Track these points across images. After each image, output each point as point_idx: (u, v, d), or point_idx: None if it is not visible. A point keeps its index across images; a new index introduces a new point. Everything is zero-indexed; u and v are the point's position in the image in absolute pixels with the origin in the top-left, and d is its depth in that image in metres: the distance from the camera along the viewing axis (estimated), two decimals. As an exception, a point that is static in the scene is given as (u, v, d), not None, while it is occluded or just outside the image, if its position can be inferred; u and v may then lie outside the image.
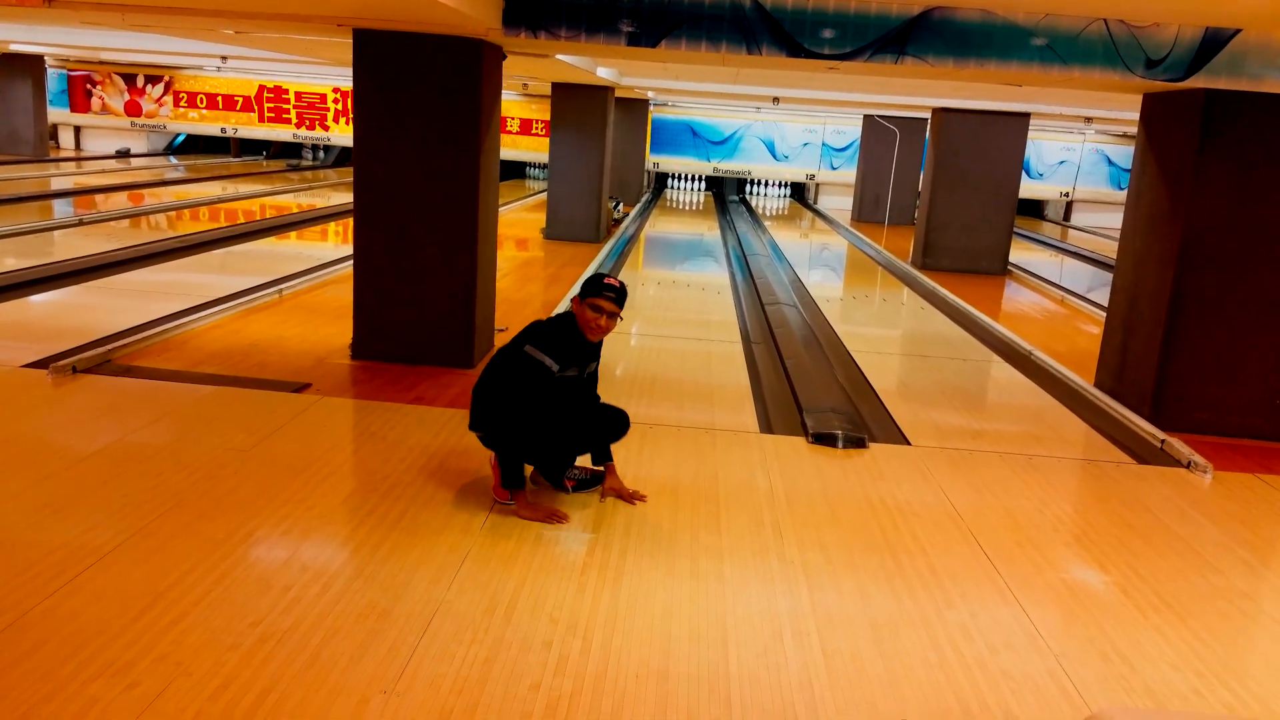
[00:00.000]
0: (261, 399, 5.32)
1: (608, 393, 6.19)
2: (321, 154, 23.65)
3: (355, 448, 4.81)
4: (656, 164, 21.92)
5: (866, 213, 18.95)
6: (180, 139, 23.32)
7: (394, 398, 5.54)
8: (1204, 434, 5.84)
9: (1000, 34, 5.42)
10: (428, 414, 5.27)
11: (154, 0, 5.33)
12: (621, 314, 4.01)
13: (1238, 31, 5.33)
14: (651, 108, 20.63)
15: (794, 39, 5.50)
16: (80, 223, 11.66)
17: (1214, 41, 5.37)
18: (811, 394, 6.09)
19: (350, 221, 12.74)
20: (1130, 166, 6.59)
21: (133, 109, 21.70)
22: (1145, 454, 5.47)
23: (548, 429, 4.01)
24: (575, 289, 3.74)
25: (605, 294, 3.95)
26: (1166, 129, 6.04)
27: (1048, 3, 5.12)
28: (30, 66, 18.58)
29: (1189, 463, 5.24)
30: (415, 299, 6.18)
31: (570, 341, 3.98)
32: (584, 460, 4.37)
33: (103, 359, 5.79)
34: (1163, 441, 5.55)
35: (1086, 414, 6.23)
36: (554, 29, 5.58)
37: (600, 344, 4.16)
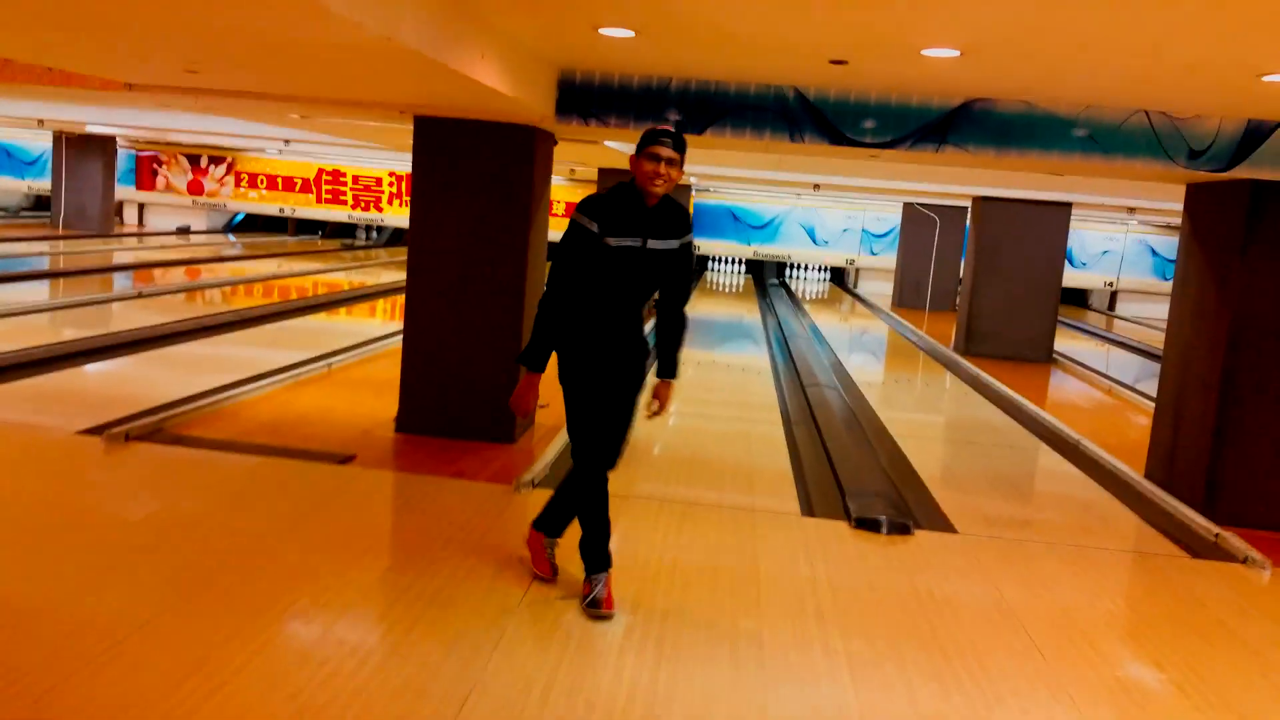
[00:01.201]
0: (307, 470, 5.40)
1: (643, 470, 6.24)
2: (375, 234, 24.28)
3: (396, 521, 4.85)
4: (698, 247, 22.17)
5: (907, 298, 18.94)
6: (240, 217, 24.10)
7: (436, 470, 5.59)
8: (1260, 528, 5.68)
9: (1041, 125, 5.49)
10: (469, 488, 5.30)
11: (226, 85, 5.59)
12: (682, 161, 3.56)
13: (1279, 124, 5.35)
14: (694, 193, 20.96)
15: (836, 128, 5.61)
16: (140, 295, 12.04)
17: (1257, 133, 5.39)
18: (854, 477, 6.04)
19: (398, 299, 13.09)
20: (1174, 257, 6.54)
21: (195, 188, 22.52)
22: (1199, 548, 5.33)
23: (589, 309, 3.62)
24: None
25: (661, 140, 3.49)
26: (1211, 218, 6.03)
27: (1088, 95, 5.19)
28: (102, 147, 19.42)
29: (1245, 558, 5.10)
30: (461, 374, 6.28)
31: (624, 203, 3.56)
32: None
33: (155, 427, 5.92)
34: (1217, 535, 5.41)
35: (1137, 506, 6.10)
36: (604, 116, 5.75)
37: (682, 216, 3.69)
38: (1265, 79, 4.26)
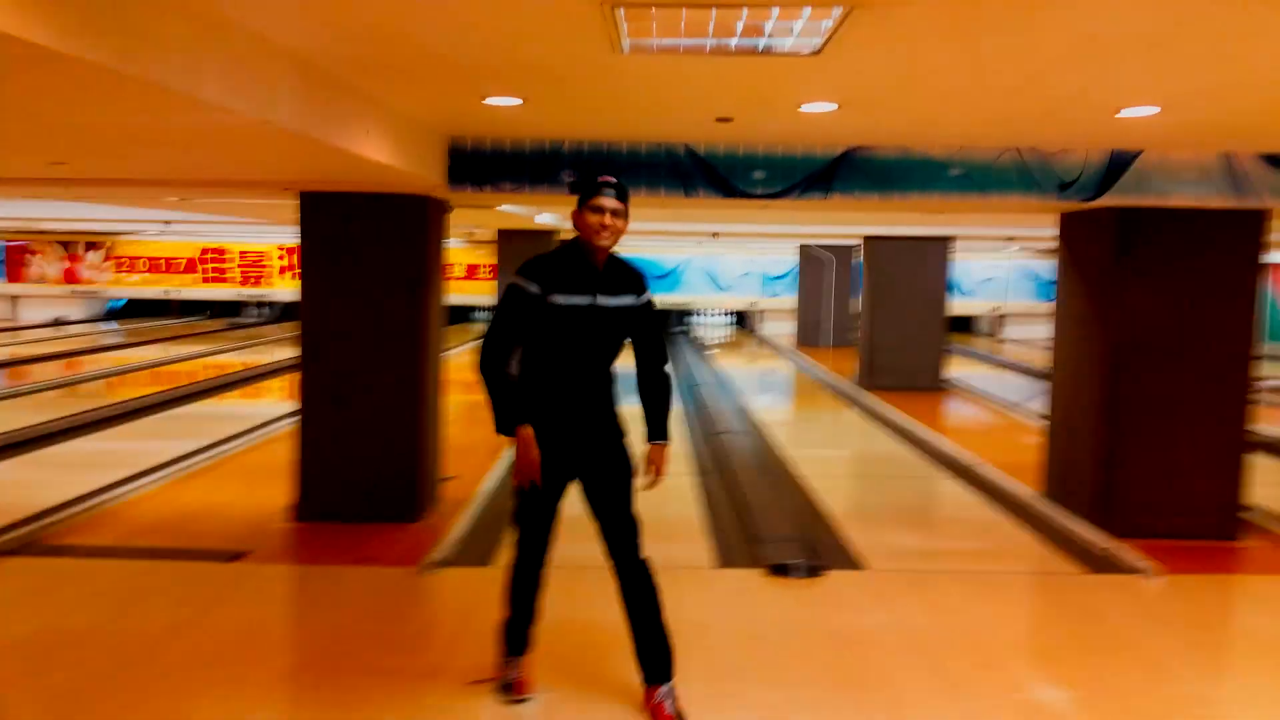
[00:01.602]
0: (196, 571, 5.09)
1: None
2: (265, 310, 23.67)
3: (297, 618, 4.64)
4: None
5: (808, 337, 19.37)
6: (119, 303, 23.21)
7: (337, 559, 5.35)
8: (1152, 537, 5.89)
9: (919, 168, 5.70)
10: (373, 575, 5.09)
11: (97, 175, 5.40)
12: (628, 211, 3.36)
13: (1139, 153, 5.67)
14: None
15: (728, 181, 5.72)
16: (15, 395, 11.42)
17: (1120, 163, 5.70)
18: (766, 523, 6.08)
19: (293, 377, 12.66)
20: (1054, 279, 6.85)
21: (71, 276, 21.64)
22: (1094, 563, 5.51)
23: (543, 380, 3.35)
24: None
25: (603, 190, 3.29)
26: (1085, 245, 6.34)
27: (961, 136, 5.42)
28: (-35, 239, 18.54)
29: (1137, 568, 5.29)
30: (359, 455, 6.07)
31: (568, 261, 3.34)
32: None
33: (28, 539, 5.56)
34: (1110, 549, 5.60)
35: (1035, 524, 6.28)
36: (498, 182, 5.74)
37: (636, 274, 3.47)
38: (1121, 114, 4.52)
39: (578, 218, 3.35)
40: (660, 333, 3.56)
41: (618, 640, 3.68)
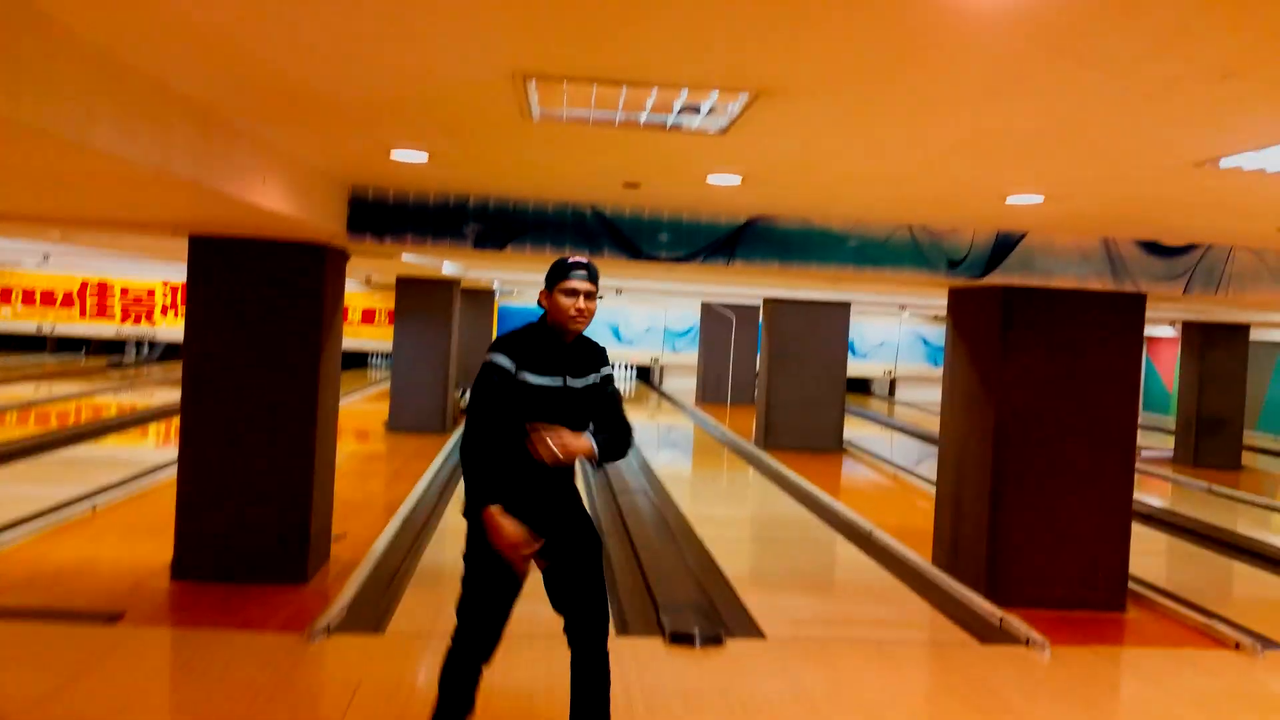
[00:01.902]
0: (67, 635, 4.78)
1: (444, 597, 5.84)
2: (147, 350, 22.72)
3: (173, 688, 4.39)
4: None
5: (710, 393, 19.55)
6: (-10, 335, 21.99)
7: (218, 622, 5.10)
8: (1038, 607, 6.07)
9: (818, 239, 5.85)
10: (256, 641, 4.85)
11: (-30, 210, 5.11)
12: (599, 293, 3.34)
13: (1024, 235, 5.94)
14: (498, 296, 20.98)
15: (634, 243, 5.77)
16: None
17: (1005, 244, 5.96)
18: (667, 589, 6.04)
19: (175, 421, 12.19)
20: (943, 345, 7.08)
21: (-63, 306, 20.42)
22: (986, 632, 5.64)
23: (507, 460, 3.21)
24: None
25: (574, 273, 3.22)
26: (973, 320, 6.58)
27: (857, 213, 5.60)
28: None
29: (1027, 640, 5.43)
30: (244, 512, 5.81)
31: (540, 341, 3.27)
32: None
33: (-117, 595, 5.17)
34: (1001, 620, 5.74)
35: (928, 593, 6.41)
36: (400, 234, 5.66)
37: (598, 350, 3.44)
38: (1009, 200, 4.73)
39: (548, 301, 3.27)
40: (620, 407, 3.45)
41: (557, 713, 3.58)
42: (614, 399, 3.43)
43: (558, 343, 3.28)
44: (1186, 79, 2.58)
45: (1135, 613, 6.20)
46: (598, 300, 3.31)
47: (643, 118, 3.35)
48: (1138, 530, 6.70)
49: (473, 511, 3.15)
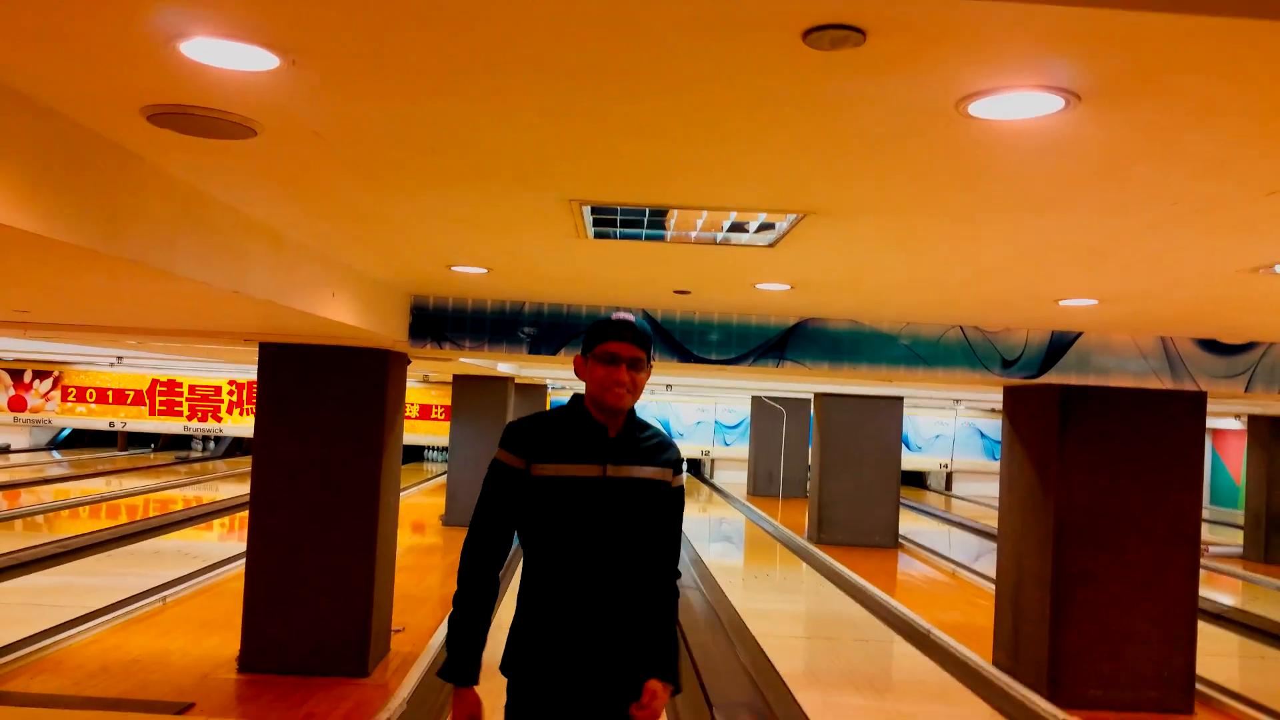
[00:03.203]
0: (140, 725, 4.94)
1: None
2: (213, 445, 23.29)
3: (238, 783, 4.45)
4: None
5: (761, 487, 19.39)
6: (65, 433, 22.73)
7: (283, 716, 5.20)
8: (1102, 709, 5.89)
9: (868, 340, 5.91)
10: (319, 736, 4.95)
11: (59, 321, 5.42)
12: (650, 361, 2.55)
13: (1080, 334, 5.94)
14: (550, 390, 21.22)
15: (684, 346, 5.88)
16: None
17: (1060, 343, 5.96)
18: (720, 688, 5.97)
19: (239, 515, 12.47)
20: (999, 438, 7.01)
21: (17, 404, 21.21)
22: (1051, 739, 5.47)
23: (537, 594, 2.50)
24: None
25: (620, 334, 2.48)
26: (1030, 419, 6.53)
27: (907, 314, 5.65)
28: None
29: (1094, 747, 5.26)
30: (309, 606, 5.95)
31: (568, 424, 2.54)
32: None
33: (-33, 687, 5.35)
34: (1066, 725, 5.58)
35: (987, 694, 6.24)
36: (458, 340, 5.85)
37: (661, 440, 2.63)
38: (1062, 304, 4.76)
39: (582, 369, 2.55)
40: (679, 528, 2.66)
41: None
42: (676, 511, 2.63)
43: (592, 424, 2.52)
44: (1233, 197, 2.64)
45: (1204, 715, 5.98)
46: (648, 374, 2.54)
47: (693, 235, 3.48)
48: (1206, 629, 6.48)
49: (452, 673, 2.50)
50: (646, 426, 2.63)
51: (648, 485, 2.53)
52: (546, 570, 2.50)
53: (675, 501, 2.62)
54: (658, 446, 2.60)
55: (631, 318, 2.54)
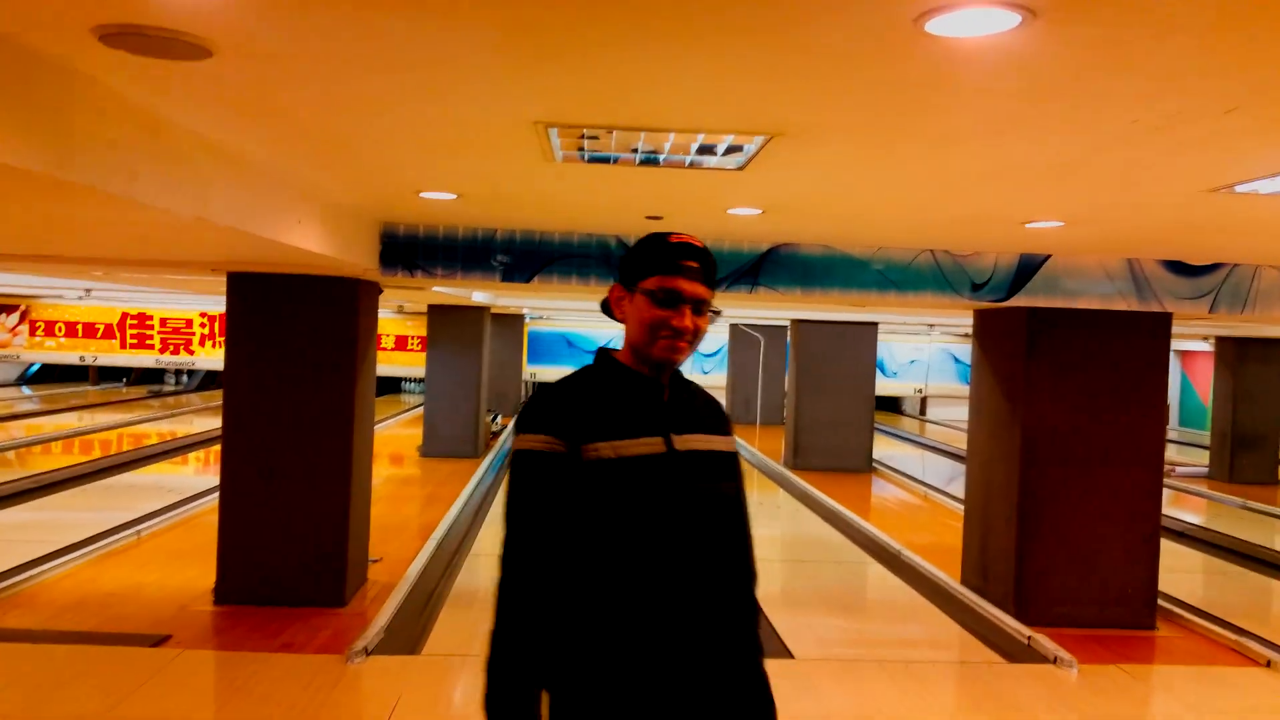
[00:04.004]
0: (118, 656, 4.99)
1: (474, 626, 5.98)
2: (185, 378, 23.16)
3: (218, 708, 4.53)
4: (534, 374, 22.30)
5: (738, 414, 19.54)
6: (35, 368, 22.51)
7: (260, 646, 5.26)
8: (1067, 627, 6.07)
9: (840, 265, 5.94)
10: (297, 663, 5.01)
11: (22, 251, 5.34)
12: (714, 303, 1.90)
13: (1048, 257, 5.99)
14: (527, 321, 21.19)
15: (655, 273, 5.88)
16: (-82, 464, 11.00)
17: (1029, 266, 6.01)
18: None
19: (213, 449, 12.48)
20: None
21: (-16, 339, 20.94)
22: (1014, 651, 5.65)
23: (613, 624, 1.76)
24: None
25: (684, 264, 1.84)
26: (998, 342, 6.61)
27: (879, 238, 5.67)
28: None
29: (1055, 658, 5.44)
30: (284, 536, 5.99)
31: (611, 386, 1.87)
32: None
33: (-59, 621, 5.38)
34: (1029, 638, 5.75)
35: (956, 612, 6.43)
36: (430, 268, 5.82)
37: (715, 405, 2.02)
38: (1029, 225, 4.79)
39: (621, 306, 1.91)
40: (747, 520, 1.97)
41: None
42: (743, 498, 1.97)
43: (645, 383, 1.88)
44: (1190, 113, 2.65)
45: (1166, 630, 6.18)
46: (709, 314, 1.89)
47: (662, 158, 3.46)
48: (1171, 547, 6.68)
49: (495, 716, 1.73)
50: (694, 388, 1.99)
51: (720, 460, 1.91)
52: (610, 601, 1.75)
53: (739, 477, 1.97)
54: (709, 404, 2.00)
55: (696, 240, 1.89)
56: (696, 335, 1.86)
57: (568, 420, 1.79)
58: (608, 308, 1.95)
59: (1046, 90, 2.49)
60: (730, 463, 1.94)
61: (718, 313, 1.93)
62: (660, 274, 1.84)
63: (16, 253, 5.49)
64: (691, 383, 1.99)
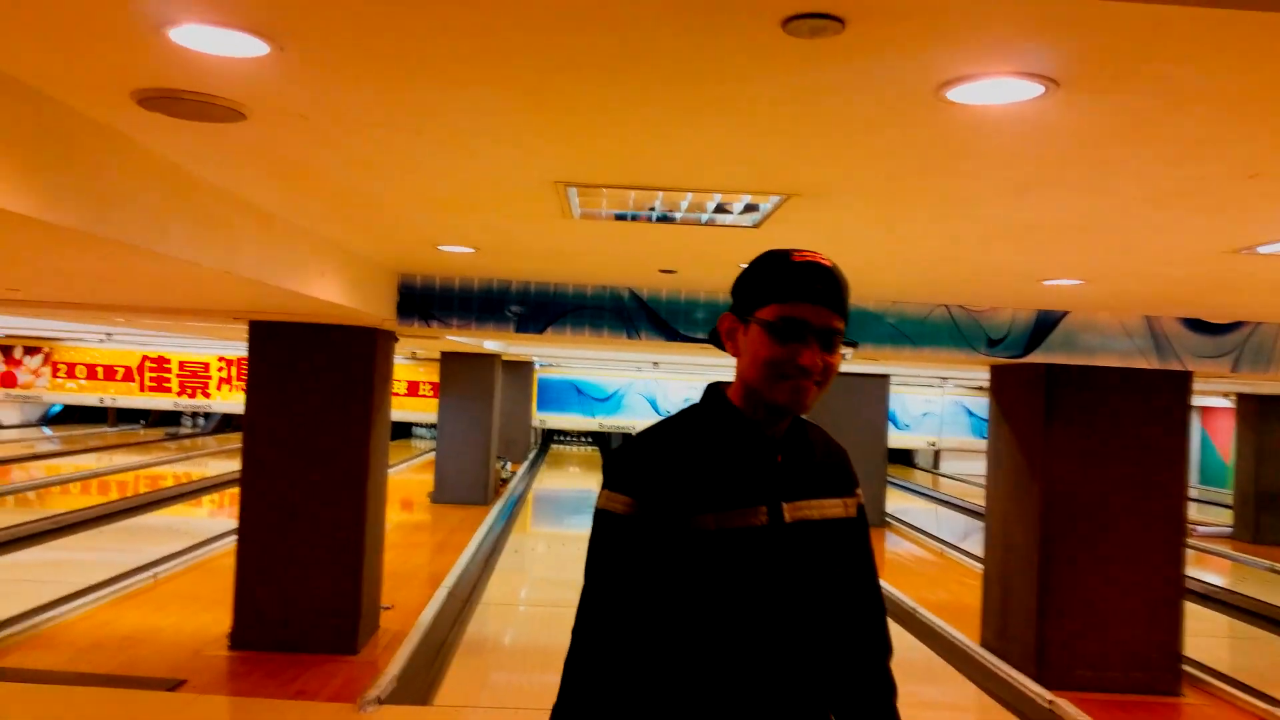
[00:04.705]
0: (134, 701, 5.00)
1: (496, 661, 6.17)
2: (202, 421, 23.26)
3: (230, 758, 4.50)
4: (543, 421, 22.33)
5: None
6: (56, 409, 22.67)
7: (274, 692, 5.25)
8: (1090, 690, 5.96)
9: (854, 319, 5.92)
10: (310, 711, 5.00)
11: (49, 299, 5.42)
12: (845, 335, 1.61)
13: (1065, 314, 5.98)
14: (537, 368, 21.25)
15: (670, 325, 5.91)
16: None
17: (1046, 322, 6.00)
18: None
19: (228, 492, 12.49)
20: (987, 417, 7.05)
21: (7, 380, 21.09)
22: (1035, 716, 5.55)
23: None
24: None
25: (813, 288, 1.56)
26: (1015, 399, 6.58)
27: (895, 292, 5.69)
28: (-102, 339, 18.14)
29: (1078, 724, 5.34)
30: (299, 583, 5.99)
31: (707, 436, 1.60)
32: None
33: (-36, 661, 5.43)
34: (1051, 702, 5.65)
35: (975, 674, 6.33)
36: (446, 318, 5.87)
37: (838, 456, 1.76)
38: (1046, 283, 4.80)
39: (744, 341, 1.60)
40: (878, 587, 1.78)
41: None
42: (872, 562, 1.76)
43: (755, 437, 1.61)
44: (1212, 178, 2.67)
45: (1192, 697, 6.06)
46: (841, 351, 1.62)
47: (678, 215, 3.50)
48: (1195, 610, 6.56)
49: None
50: (814, 433, 1.71)
51: (837, 530, 1.65)
52: (697, 690, 1.52)
53: (864, 541, 1.73)
54: (831, 456, 1.72)
55: (824, 260, 1.58)
56: (827, 375, 1.56)
57: (657, 479, 1.52)
58: (717, 338, 1.66)
59: (1067, 156, 2.52)
60: (851, 531, 1.68)
61: (853, 344, 1.62)
62: (780, 300, 1.54)
63: (46, 299, 5.57)
64: (813, 427, 1.73)
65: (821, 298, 1.55)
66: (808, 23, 1.63)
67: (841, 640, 1.65)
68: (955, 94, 2.01)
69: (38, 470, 14.66)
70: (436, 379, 14.47)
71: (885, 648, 1.74)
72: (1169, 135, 2.28)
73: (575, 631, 1.58)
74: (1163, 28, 1.66)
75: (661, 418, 1.66)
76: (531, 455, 19.78)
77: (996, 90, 1.99)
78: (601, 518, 1.56)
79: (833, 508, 1.65)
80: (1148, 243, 3.66)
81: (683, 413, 1.65)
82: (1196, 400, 17.88)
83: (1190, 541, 6.82)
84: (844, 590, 1.66)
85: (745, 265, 1.63)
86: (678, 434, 1.60)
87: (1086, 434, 6.16)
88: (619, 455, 1.59)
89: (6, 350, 21.12)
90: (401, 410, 21.46)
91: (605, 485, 1.57)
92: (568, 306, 5.90)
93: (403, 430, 23.21)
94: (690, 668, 1.52)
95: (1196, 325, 6.03)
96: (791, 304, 1.54)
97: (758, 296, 1.58)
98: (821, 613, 1.60)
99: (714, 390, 1.67)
